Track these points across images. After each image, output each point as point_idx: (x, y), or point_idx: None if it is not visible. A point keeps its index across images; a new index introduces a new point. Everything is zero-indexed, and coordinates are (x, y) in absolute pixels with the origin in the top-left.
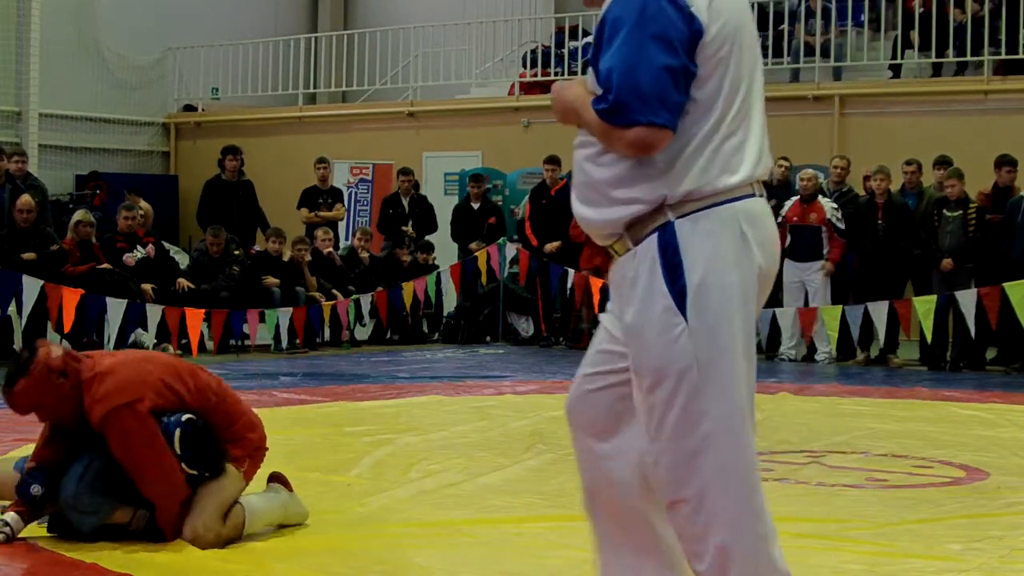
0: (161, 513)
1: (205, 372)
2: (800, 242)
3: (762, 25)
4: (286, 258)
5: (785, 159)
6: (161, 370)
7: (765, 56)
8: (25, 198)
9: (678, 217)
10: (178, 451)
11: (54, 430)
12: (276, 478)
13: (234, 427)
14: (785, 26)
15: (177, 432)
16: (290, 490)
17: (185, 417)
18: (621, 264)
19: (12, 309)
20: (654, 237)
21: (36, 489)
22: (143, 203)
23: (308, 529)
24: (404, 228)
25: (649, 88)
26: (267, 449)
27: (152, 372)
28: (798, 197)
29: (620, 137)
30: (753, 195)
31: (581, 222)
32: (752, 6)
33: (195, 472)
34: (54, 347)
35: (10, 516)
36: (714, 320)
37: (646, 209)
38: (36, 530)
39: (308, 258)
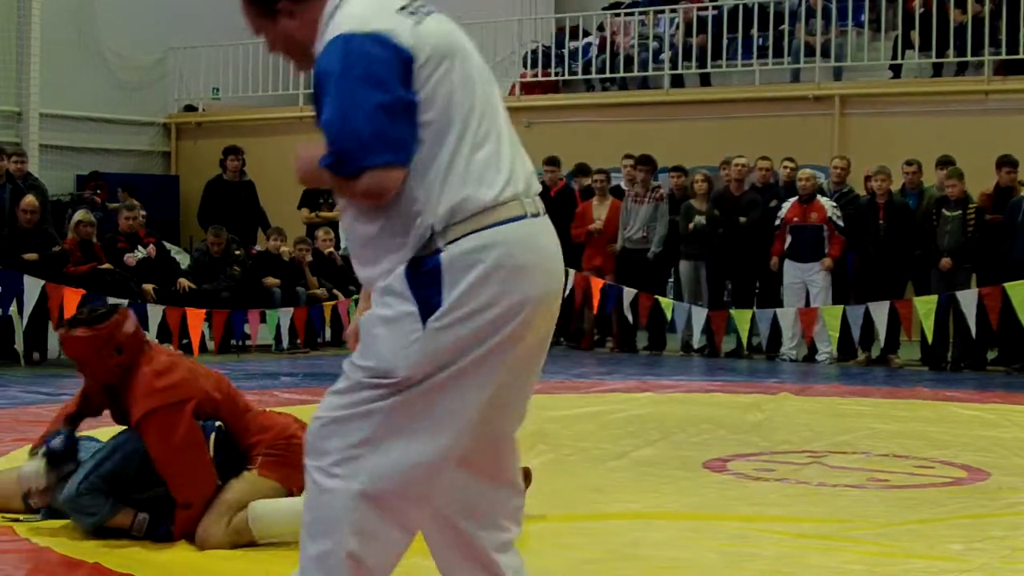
0: (183, 515)
1: (230, 384)
2: (800, 242)
3: (762, 25)
4: (287, 258)
5: (791, 160)
6: (206, 379)
7: (765, 56)
8: (29, 199)
9: (447, 244)
10: (211, 455)
11: (84, 403)
12: None
13: (249, 434)
14: (785, 26)
15: (212, 437)
16: None
17: (216, 424)
18: (383, 285)
19: (13, 309)
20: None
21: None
22: (134, 201)
23: None
24: None
25: (366, 131)
26: (296, 441)
27: (201, 378)
28: (797, 198)
29: (353, 188)
30: (524, 216)
31: (365, 283)
32: (752, 6)
33: (220, 481)
34: (131, 322)
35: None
36: (452, 344)
37: (419, 244)
38: (43, 529)
39: (309, 258)
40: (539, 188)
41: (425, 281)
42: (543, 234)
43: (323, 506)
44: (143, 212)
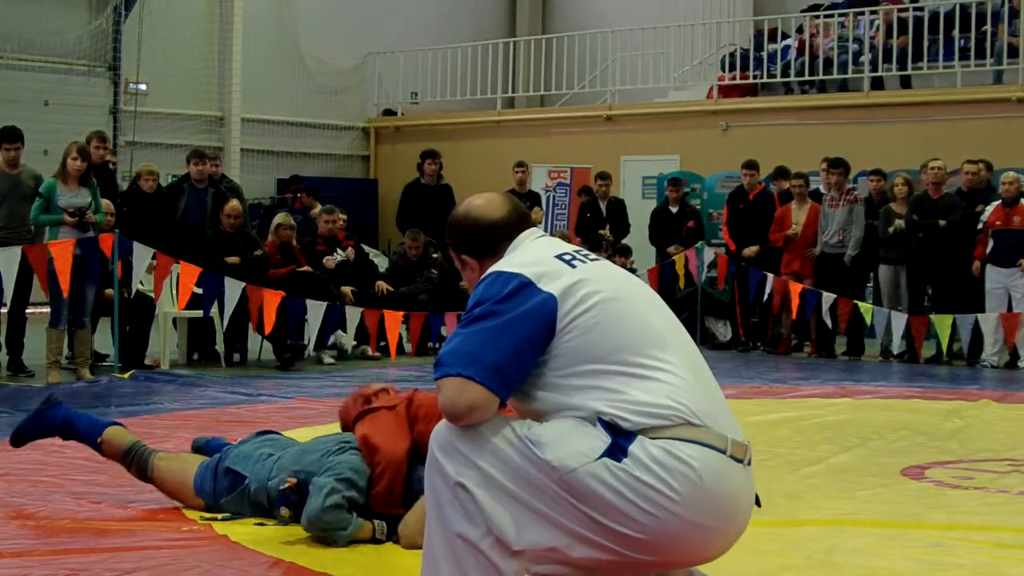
0: (380, 491)
1: None
2: (1003, 246)
3: (964, 26)
4: None
5: (982, 161)
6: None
7: (966, 58)
8: (233, 203)
9: (641, 434)
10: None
11: None
12: None
13: None
14: (988, 27)
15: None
16: None
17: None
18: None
19: (215, 311)
20: None
21: (284, 512)
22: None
23: None
24: (602, 232)
25: (463, 348)
26: None
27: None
28: (1000, 201)
29: (440, 397)
30: (724, 451)
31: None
32: (953, 7)
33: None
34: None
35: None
36: (597, 493)
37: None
38: (238, 529)
39: None
40: (743, 437)
41: (620, 436)
42: (739, 476)
43: (439, 492)
44: (343, 216)
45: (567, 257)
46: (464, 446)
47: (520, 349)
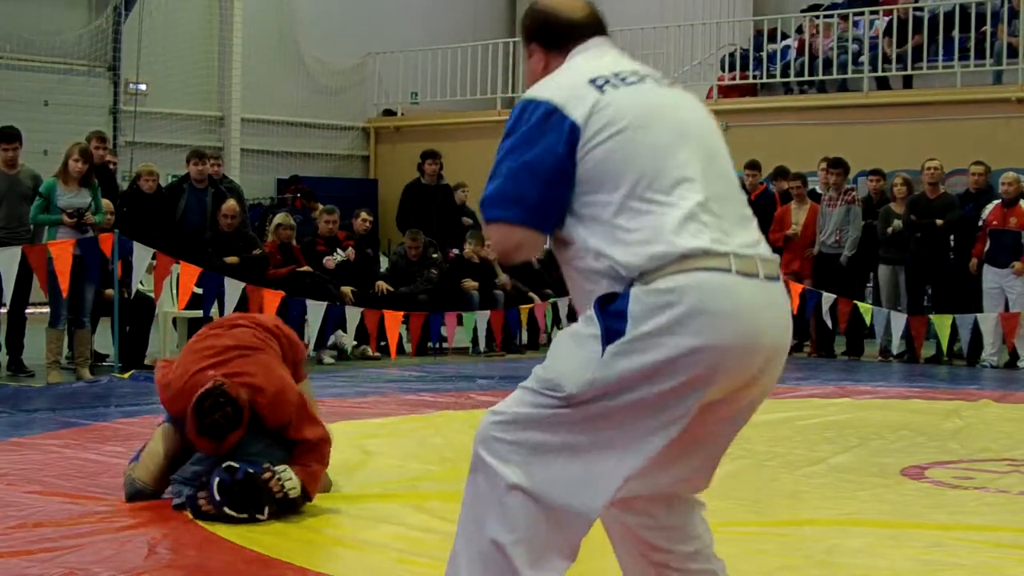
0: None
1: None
2: (999, 246)
3: (964, 26)
4: (476, 259)
5: (981, 163)
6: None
7: (966, 58)
8: (230, 203)
9: (638, 283)
10: (216, 497)
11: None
12: None
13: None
14: (987, 27)
15: (216, 481)
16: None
17: (225, 465)
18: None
19: (215, 311)
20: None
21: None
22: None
23: None
24: None
25: (497, 187)
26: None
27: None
28: (999, 201)
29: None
30: (727, 271)
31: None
32: (954, 7)
33: (243, 515)
34: (233, 386)
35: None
36: (622, 374)
37: (611, 287)
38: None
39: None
40: (763, 252)
41: (613, 311)
42: (748, 290)
43: (481, 494)
44: (369, 217)
45: (600, 82)
46: (501, 432)
47: (555, 182)
